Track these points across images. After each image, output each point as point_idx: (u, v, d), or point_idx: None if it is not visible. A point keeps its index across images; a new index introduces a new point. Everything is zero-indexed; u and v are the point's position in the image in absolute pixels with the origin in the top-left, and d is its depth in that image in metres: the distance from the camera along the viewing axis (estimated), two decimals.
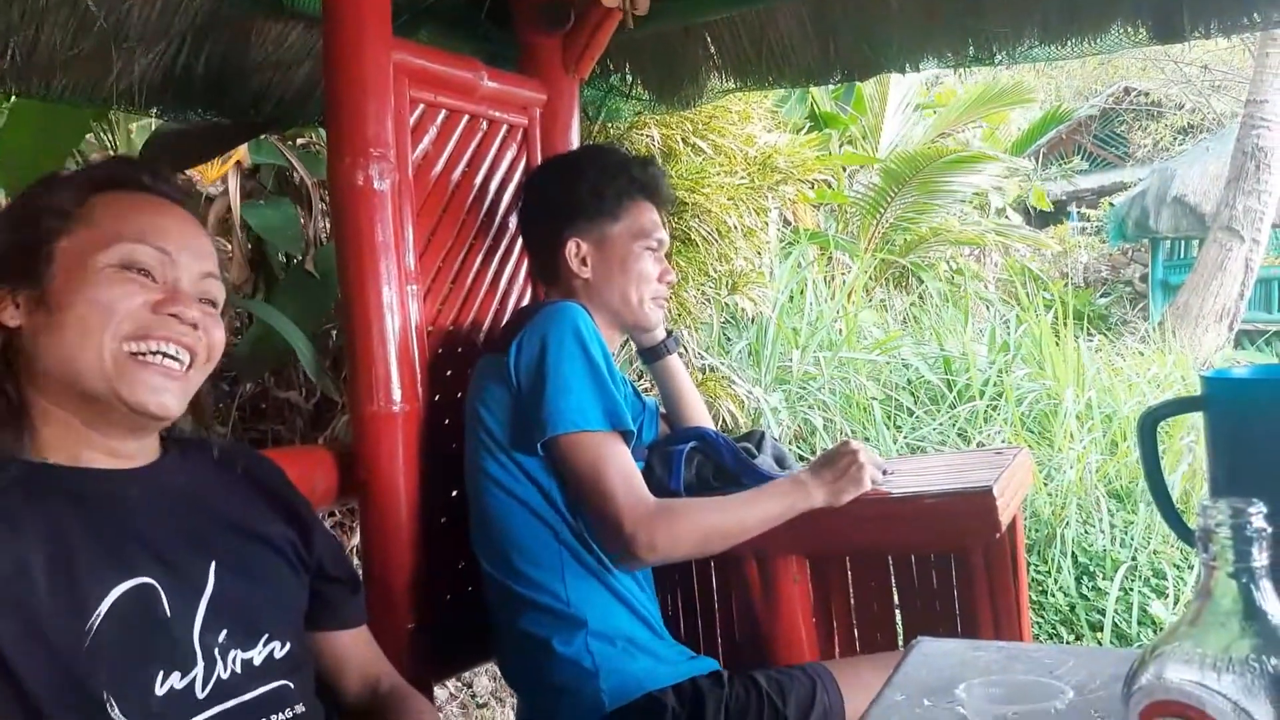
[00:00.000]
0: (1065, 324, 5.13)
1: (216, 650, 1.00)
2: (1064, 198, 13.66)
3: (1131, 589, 3.22)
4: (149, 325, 1.00)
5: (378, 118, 1.54)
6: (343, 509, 2.93)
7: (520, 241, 1.85)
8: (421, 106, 1.67)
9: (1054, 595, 3.32)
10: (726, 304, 4.63)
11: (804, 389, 4.60)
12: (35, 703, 0.89)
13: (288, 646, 1.07)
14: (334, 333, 3.15)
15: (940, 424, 4.43)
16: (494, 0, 2.06)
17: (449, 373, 1.70)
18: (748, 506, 1.52)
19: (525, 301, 1.88)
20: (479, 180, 1.82)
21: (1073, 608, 3.28)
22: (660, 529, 1.44)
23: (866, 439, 4.15)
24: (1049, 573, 3.41)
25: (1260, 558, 0.61)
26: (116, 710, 0.91)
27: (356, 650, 1.25)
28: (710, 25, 2.31)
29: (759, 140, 4.85)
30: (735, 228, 4.40)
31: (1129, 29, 1.99)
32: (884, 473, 1.61)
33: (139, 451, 1.06)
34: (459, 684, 2.93)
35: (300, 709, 1.06)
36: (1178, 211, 10.54)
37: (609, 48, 2.01)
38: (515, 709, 1.84)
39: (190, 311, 1.03)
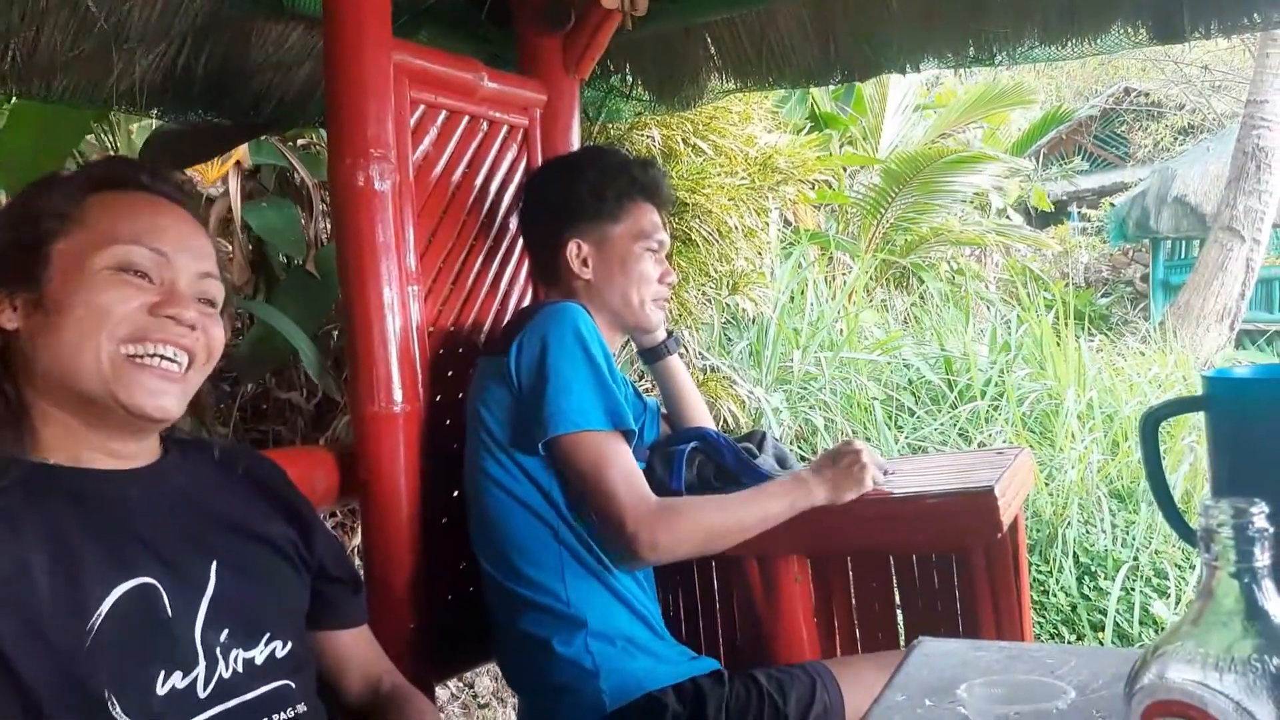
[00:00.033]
0: (1066, 324, 5.13)
1: (218, 650, 1.00)
2: (1064, 198, 13.66)
3: (1133, 589, 3.22)
4: (146, 328, 1.00)
5: (378, 119, 1.54)
6: (344, 509, 2.93)
7: (521, 242, 1.85)
8: (422, 107, 1.67)
9: (1055, 595, 3.32)
10: (727, 304, 4.64)
11: (805, 389, 4.60)
12: (36, 702, 0.89)
13: (289, 646, 1.07)
14: (335, 333, 3.15)
15: (941, 424, 4.43)
16: (494, 1, 2.06)
17: (450, 373, 1.70)
18: (749, 505, 1.52)
19: (526, 302, 1.88)
20: (479, 181, 1.82)
21: (1074, 608, 3.28)
22: (662, 528, 1.44)
23: (868, 439, 4.14)
24: (1050, 573, 3.41)
25: (1262, 557, 0.61)
26: (118, 709, 0.91)
27: (358, 650, 1.25)
28: (710, 26, 2.31)
29: (759, 141, 4.85)
30: (736, 228, 4.40)
31: (1129, 29, 1.99)
32: (885, 473, 1.61)
33: (139, 452, 1.06)
34: (460, 684, 2.93)
35: (301, 709, 1.06)
36: (1178, 212, 10.54)
37: (609, 48, 2.01)
38: (516, 709, 1.84)
39: (187, 313, 1.02)
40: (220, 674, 0.99)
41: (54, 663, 0.90)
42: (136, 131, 3.27)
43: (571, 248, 1.64)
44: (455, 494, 1.67)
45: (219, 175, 3.22)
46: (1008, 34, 2.08)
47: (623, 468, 1.46)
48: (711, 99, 2.57)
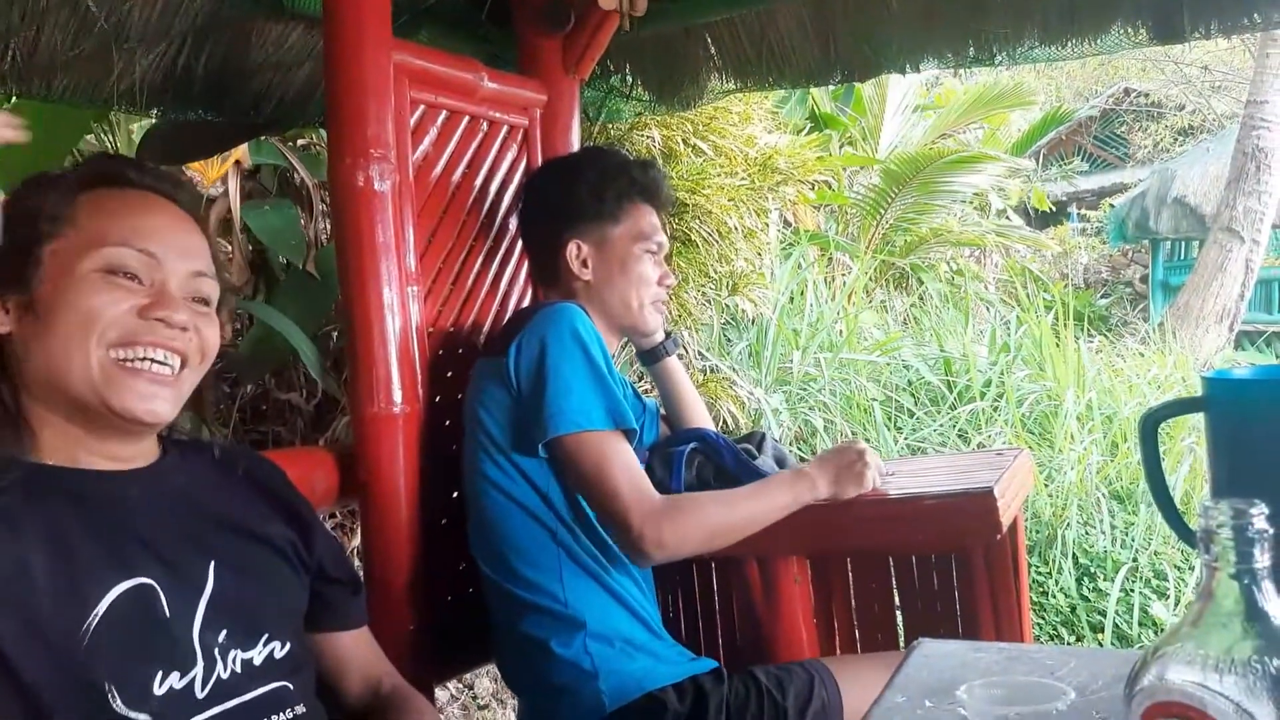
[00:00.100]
0: (1065, 325, 5.12)
1: (216, 650, 1.00)
2: (1064, 199, 13.66)
3: (1132, 590, 3.22)
4: (135, 331, 0.99)
5: (378, 119, 1.54)
6: (343, 510, 2.93)
7: (520, 243, 1.85)
8: (422, 107, 1.67)
9: (1055, 596, 3.32)
10: (727, 305, 4.64)
11: (804, 390, 4.60)
12: (36, 701, 0.89)
13: (288, 647, 1.07)
14: (335, 334, 3.15)
15: (941, 425, 4.43)
16: (494, 1, 2.06)
17: (450, 374, 1.70)
18: (753, 500, 1.52)
19: (526, 303, 1.88)
20: (479, 181, 1.82)
21: (1074, 609, 3.28)
22: (667, 525, 1.44)
23: (867, 440, 4.13)
24: (1050, 574, 3.41)
25: (1262, 559, 0.60)
26: (119, 701, 0.91)
27: (357, 651, 1.24)
28: (710, 26, 2.31)
29: (759, 141, 4.85)
30: (736, 229, 4.40)
31: (1129, 30, 1.99)
32: (885, 475, 1.61)
33: (136, 454, 1.06)
34: (460, 685, 2.93)
35: (300, 709, 1.06)
36: (1178, 212, 10.54)
37: (609, 48, 2.01)
38: (516, 711, 1.84)
39: (178, 315, 1.01)
40: (219, 674, 0.99)
41: (53, 662, 0.90)
42: (136, 131, 3.27)
43: (571, 249, 1.64)
44: (455, 495, 1.67)
45: (219, 175, 3.22)
46: (1008, 34, 2.09)
47: (626, 466, 1.46)
48: (711, 99, 2.57)
